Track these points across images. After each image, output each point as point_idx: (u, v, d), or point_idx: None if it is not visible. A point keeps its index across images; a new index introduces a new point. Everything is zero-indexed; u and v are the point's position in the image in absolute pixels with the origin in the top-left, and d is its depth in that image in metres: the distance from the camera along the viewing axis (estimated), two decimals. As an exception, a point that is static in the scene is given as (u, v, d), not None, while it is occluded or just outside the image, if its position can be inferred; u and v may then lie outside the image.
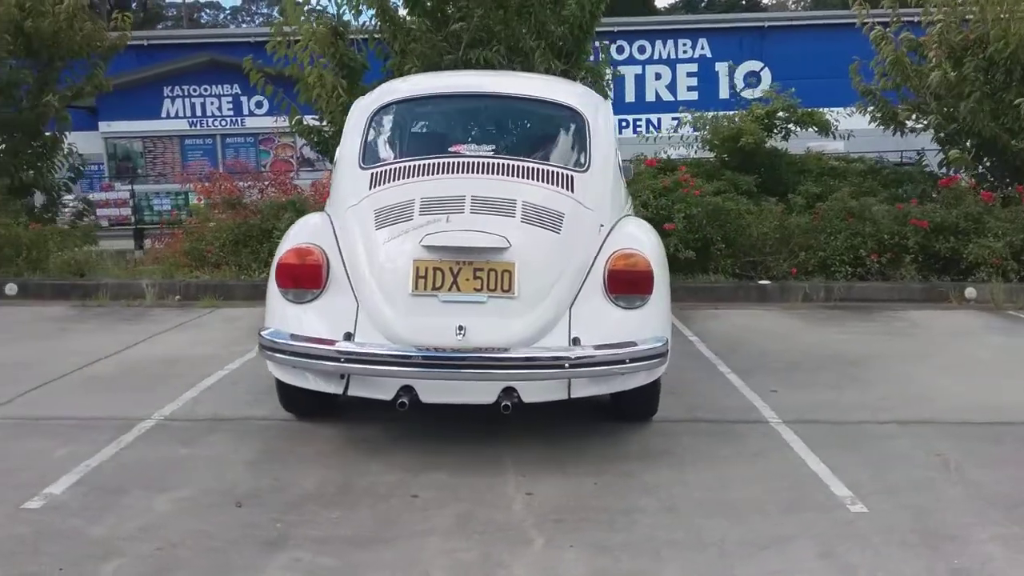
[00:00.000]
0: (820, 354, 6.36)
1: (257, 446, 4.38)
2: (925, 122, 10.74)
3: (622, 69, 20.55)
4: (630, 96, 21.39)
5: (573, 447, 4.34)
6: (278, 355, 4.08)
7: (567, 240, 4.15)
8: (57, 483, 3.85)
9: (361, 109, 4.94)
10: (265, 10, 47.46)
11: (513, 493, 3.76)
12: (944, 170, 10.78)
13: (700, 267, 9.08)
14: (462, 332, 3.87)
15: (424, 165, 4.42)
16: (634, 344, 4.00)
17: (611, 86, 10.21)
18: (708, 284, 8.88)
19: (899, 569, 3.08)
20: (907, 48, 10.48)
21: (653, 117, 21.05)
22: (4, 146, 11.48)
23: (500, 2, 8.44)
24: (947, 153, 10.44)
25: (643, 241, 4.39)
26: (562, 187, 4.34)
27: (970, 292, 8.52)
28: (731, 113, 11.68)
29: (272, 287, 4.26)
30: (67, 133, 12.17)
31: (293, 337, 4.04)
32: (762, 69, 21.13)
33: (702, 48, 21.70)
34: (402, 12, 9.04)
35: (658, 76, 21.72)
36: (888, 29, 10.58)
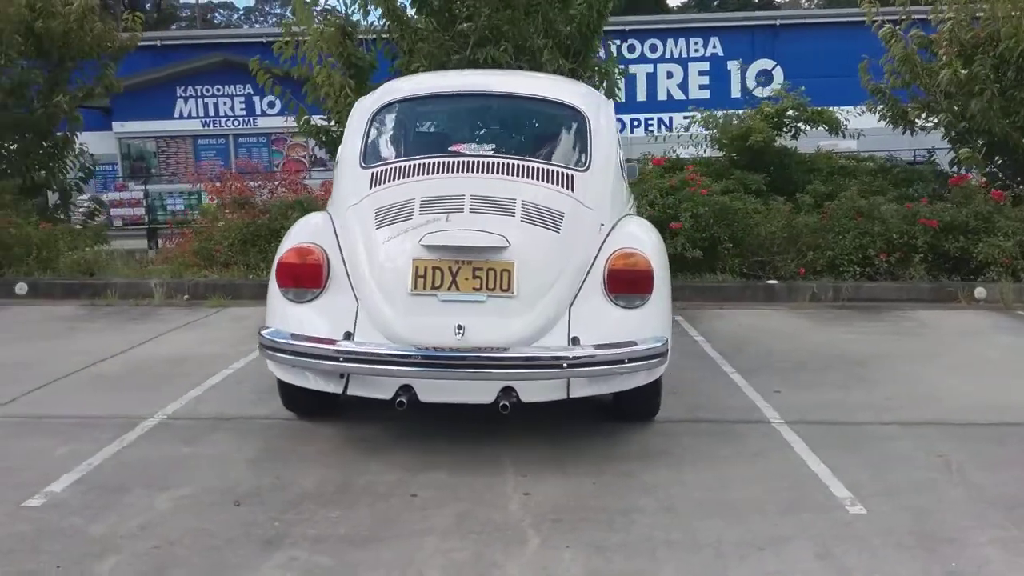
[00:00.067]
0: (826, 354, 6.33)
1: (259, 445, 4.40)
2: (935, 120, 10.66)
3: (634, 68, 20.61)
4: (641, 95, 21.32)
5: (573, 447, 4.34)
6: (278, 355, 4.09)
7: (567, 239, 4.15)
8: (58, 481, 3.87)
9: (362, 109, 4.95)
10: (278, 10, 47.60)
11: (512, 493, 3.76)
12: (955, 169, 10.70)
13: (707, 266, 9.04)
14: (461, 331, 3.88)
15: (424, 164, 4.43)
16: (634, 344, 3.99)
17: (621, 85, 10.17)
18: (715, 284, 8.84)
19: (895, 571, 3.06)
20: (917, 45, 10.40)
21: (665, 116, 20.98)
22: (15, 146, 11.55)
23: (507, 1, 8.42)
24: (958, 152, 10.36)
25: (644, 240, 4.38)
26: (562, 186, 4.33)
27: (980, 292, 8.45)
28: (740, 112, 11.63)
29: (273, 286, 4.28)
30: (78, 133, 12.21)
31: (293, 337, 4.05)
32: (774, 67, 21.02)
33: (714, 47, 21.60)
34: (410, 12, 9.06)
35: (670, 75, 21.62)
36: (898, 27, 10.50)
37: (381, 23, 9.23)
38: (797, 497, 3.72)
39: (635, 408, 4.64)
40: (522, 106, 5.17)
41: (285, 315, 4.19)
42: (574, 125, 4.81)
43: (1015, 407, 4.96)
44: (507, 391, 3.90)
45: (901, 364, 6.01)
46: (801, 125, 11.53)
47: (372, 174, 4.44)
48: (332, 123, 9.35)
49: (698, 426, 4.68)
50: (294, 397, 4.57)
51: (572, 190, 4.33)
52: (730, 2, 40.04)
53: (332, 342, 3.96)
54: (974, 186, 9.85)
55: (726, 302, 8.56)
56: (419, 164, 4.43)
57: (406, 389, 3.91)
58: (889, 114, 11.01)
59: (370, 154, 4.66)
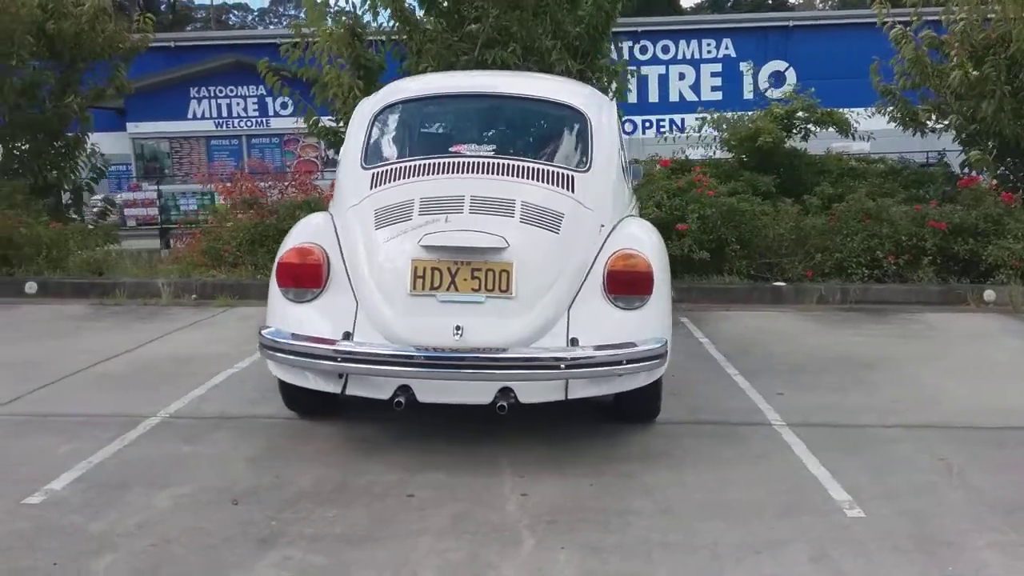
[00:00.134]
0: (831, 356, 6.29)
1: (260, 444, 4.42)
2: (945, 122, 10.59)
3: (646, 69, 20.57)
4: (653, 96, 21.30)
5: (572, 448, 4.33)
6: (278, 355, 4.10)
7: (566, 240, 4.14)
8: (58, 479, 3.90)
9: (364, 110, 4.97)
10: (292, 11, 47.79)
11: (509, 494, 3.76)
12: (965, 171, 10.63)
13: (715, 268, 9.00)
14: (459, 332, 3.88)
15: (424, 165, 4.43)
16: (633, 345, 3.98)
17: (631, 86, 10.15)
18: (722, 285, 8.81)
19: (891, 575, 3.04)
20: (928, 46, 10.33)
21: (676, 117, 20.90)
22: (27, 146, 11.60)
23: (516, 2, 8.42)
24: (968, 154, 10.29)
25: (644, 241, 4.37)
26: (562, 187, 4.33)
27: (989, 295, 8.40)
28: (750, 113, 11.59)
29: (273, 286, 4.29)
30: (89, 134, 12.27)
31: (293, 336, 4.06)
32: (787, 69, 20.94)
33: (726, 48, 21.54)
34: (418, 13, 9.07)
35: (682, 76, 21.58)
36: (909, 28, 10.44)
37: (390, 24, 9.25)
38: (796, 500, 3.70)
39: (636, 409, 4.63)
40: (523, 107, 5.16)
41: (285, 315, 4.20)
42: (575, 126, 4.80)
43: (1018, 410, 4.93)
44: (505, 392, 3.90)
45: (907, 367, 5.98)
46: (811, 127, 11.47)
47: (373, 175, 4.45)
48: (340, 124, 9.37)
49: (699, 428, 4.67)
50: (295, 397, 4.58)
51: (572, 191, 4.33)
52: (743, 3, 39.95)
53: (331, 342, 3.97)
54: (984, 188, 9.78)
55: (733, 304, 8.53)
56: (419, 165, 4.44)
57: (404, 389, 3.91)
58: (899, 116, 10.95)
59: (371, 155, 4.67)
